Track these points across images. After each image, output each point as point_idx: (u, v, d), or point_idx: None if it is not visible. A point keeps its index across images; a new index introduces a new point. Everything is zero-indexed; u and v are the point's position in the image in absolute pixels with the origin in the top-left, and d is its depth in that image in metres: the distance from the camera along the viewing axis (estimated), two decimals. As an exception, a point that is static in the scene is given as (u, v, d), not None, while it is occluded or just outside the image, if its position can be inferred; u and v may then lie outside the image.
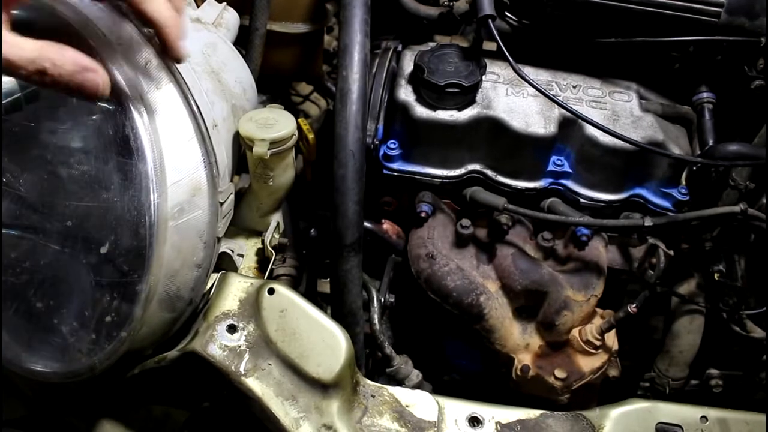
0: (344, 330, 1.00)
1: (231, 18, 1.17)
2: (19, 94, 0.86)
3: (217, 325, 0.90)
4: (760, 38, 1.09)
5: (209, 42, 1.04)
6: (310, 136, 1.21)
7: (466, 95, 1.09)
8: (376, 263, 1.21)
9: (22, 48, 0.66)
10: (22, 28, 0.68)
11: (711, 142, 1.13)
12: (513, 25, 1.18)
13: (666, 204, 1.14)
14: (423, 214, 1.13)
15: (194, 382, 1.00)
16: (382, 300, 1.17)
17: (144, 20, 0.77)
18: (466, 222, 1.14)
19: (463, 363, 1.29)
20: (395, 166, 1.14)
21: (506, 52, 1.03)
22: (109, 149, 0.80)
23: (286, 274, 1.13)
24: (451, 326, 1.22)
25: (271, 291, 0.93)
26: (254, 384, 0.89)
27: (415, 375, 1.13)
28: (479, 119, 1.09)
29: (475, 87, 1.09)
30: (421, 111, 1.10)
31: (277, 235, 1.14)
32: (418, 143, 1.12)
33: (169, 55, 0.80)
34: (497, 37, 1.04)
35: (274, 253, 1.11)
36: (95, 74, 0.70)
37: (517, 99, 1.12)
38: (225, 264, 0.98)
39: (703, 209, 1.08)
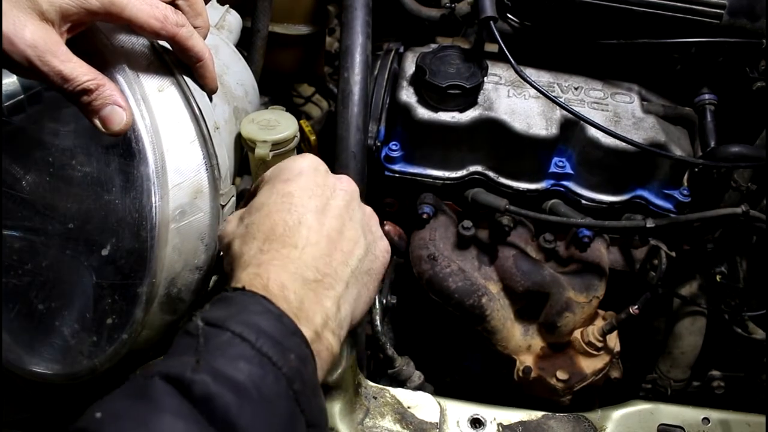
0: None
1: (233, 20, 1.17)
2: (22, 96, 0.87)
3: (218, 326, 0.90)
4: (762, 40, 1.09)
5: (211, 45, 1.04)
6: (312, 137, 1.21)
7: (468, 97, 1.09)
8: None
9: (79, 69, 0.72)
10: None
11: (712, 144, 1.13)
12: (514, 26, 1.18)
13: (668, 205, 1.14)
14: (425, 216, 1.13)
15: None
16: (384, 301, 1.17)
17: (188, 55, 0.82)
18: (467, 223, 1.14)
19: (465, 364, 1.29)
20: (397, 167, 1.14)
21: (508, 54, 1.03)
22: (110, 151, 0.80)
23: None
24: (453, 328, 1.22)
25: (273, 292, 0.93)
26: (256, 385, 0.89)
27: (417, 376, 1.13)
28: (481, 121, 1.09)
29: (477, 88, 1.09)
30: (422, 112, 1.10)
31: (278, 237, 1.14)
32: (419, 145, 1.12)
33: (207, 86, 0.86)
34: (499, 38, 1.04)
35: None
36: (122, 112, 0.75)
37: (518, 100, 1.12)
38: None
39: (704, 211, 1.07)
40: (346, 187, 0.79)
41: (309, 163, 0.79)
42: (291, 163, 0.79)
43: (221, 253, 0.81)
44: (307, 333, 0.64)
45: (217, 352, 0.57)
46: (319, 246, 0.71)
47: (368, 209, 0.83)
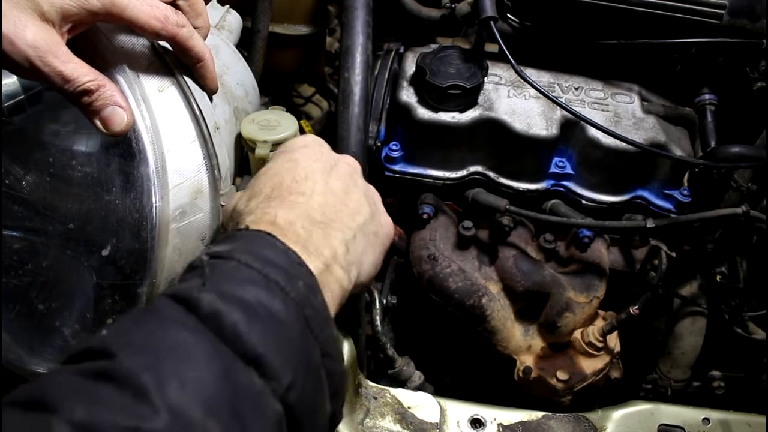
0: (346, 332, 1.00)
1: (234, 20, 1.17)
2: (22, 96, 0.87)
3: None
4: (762, 40, 1.09)
5: (211, 45, 1.04)
6: (312, 137, 1.21)
7: (468, 97, 1.09)
8: (378, 265, 1.21)
9: (80, 70, 0.72)
10: None
11: (713, 144, 1.12)
12: (515, 26, 1.18)
13: (668, 205, 1.14)
14: (425, 216, 1.13)
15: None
16: (384, 301, 1.17)
17: (189, 55, 0.82)
18: (468, 223, 1.14)
19: (466, 364, 1.29)
20: (397, 167, 1.14)
21: (508, 54, 1.03)
22: (111, 152, 0.80)
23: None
24: (453, 328, 1.22)
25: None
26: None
27: (417, 376, 1.13)
28: (481, 121, 1.09)
29: (477, 89, 1.09)
30: (422, 113, 1.10)
31: (279, 237, 1.14)
32: (419, 145, 1.12)
33: (207, 86, 0.86)
34: (499, 38, 1.04)
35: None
36: (123, 113, 0.75)
37: (518, 101, 1.12)
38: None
39: (705, 211, 1.07)
40: (349, 161, 0.83)
41: (313, 139, 0.83)
42: (295, 140, 0.83)
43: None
44: (316, 264, 0.65)
45: (223, 278, 0.58)
46: (326, 196, 0.73)
47: (372, 187, 0.85)
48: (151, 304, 0.79)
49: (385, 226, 0.81)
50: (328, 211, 0.71)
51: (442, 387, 1.18)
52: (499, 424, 1.00)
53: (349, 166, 0.81)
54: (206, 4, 1.19)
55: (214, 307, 0.54)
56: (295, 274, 0.61)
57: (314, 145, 0.81)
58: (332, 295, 0.66)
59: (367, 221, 0.76)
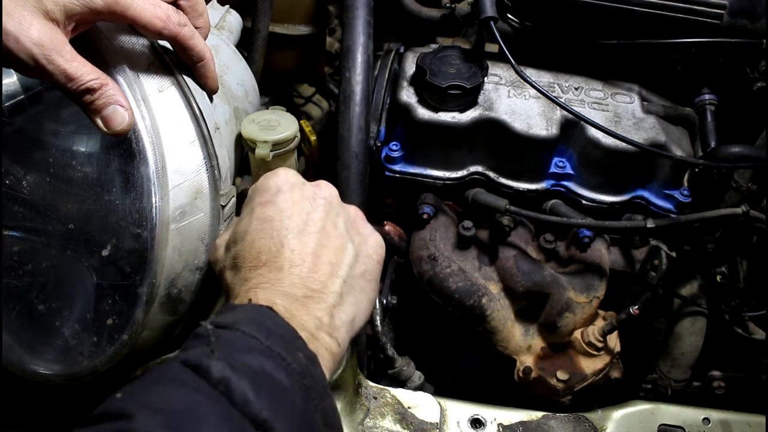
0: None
1: (234, 21, 1.17)
2: (23, 96, 0.87)
3: (219, 327, 0.90)
4: (762, 40, 1.09)
5: (211, 45, 1.04)
6: (313, 138, 1.21)
7: (468, 97, 1.09)
8: (378, 265, 1.21)
9: (83, 69, 0.72)
10: None
11: (713, 144, 1.13)
12: (515, 26, 1.18)
13: (668, 206, 1.14)
14: (425, 216, 1.13)
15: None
16: (384, 302, 1.17)
17: (190, 54, 0.82)
18: (468, 223, 1.14)
19: (466, 364, 1.29)
20: (397, 167, 1.14)
21: (508, 54, 1.03)
22: (111, 152, 0.80)
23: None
24: (453, 328, 1.22)
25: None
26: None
27: (417, 377, 1.13)
28: (481, 121, 1.09)
29: (477, 89, 1.09)
30: (423, 113, 1.10)
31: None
32: (420, 145, 1.12)
33: (207, 86, 0.86)
34: (499, 38, 1.04)
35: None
36: (124, 112, 0.75)
37: (519, 101, 1.12)
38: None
39: (705, 211, 1.07)
40: (324, 194, 0.80)
41: (284, 179, 0.79)
42: (267, 182, 0.80)
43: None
44: (303, 336, 0.66)
45: (229, 347, 0.59)
46: (304, 265, 0.72)
47: (352, 209, 0.84)
48: (151, 305, 0.80)
49: (373, 253, 0.80)
50: (308, 283, 0.71)
51: (442, 387, 1.18)
52: (499, 424, 1.00)
53: (325, 202, 0.79)
54: (206, 4, 1.19)
55: (223, 374, 0.55)
56: (296, 346, 0.63)
57: (286, 187, 0.78)
58: (324, 362, 0.67)
59: (352, 265, 0.76)
